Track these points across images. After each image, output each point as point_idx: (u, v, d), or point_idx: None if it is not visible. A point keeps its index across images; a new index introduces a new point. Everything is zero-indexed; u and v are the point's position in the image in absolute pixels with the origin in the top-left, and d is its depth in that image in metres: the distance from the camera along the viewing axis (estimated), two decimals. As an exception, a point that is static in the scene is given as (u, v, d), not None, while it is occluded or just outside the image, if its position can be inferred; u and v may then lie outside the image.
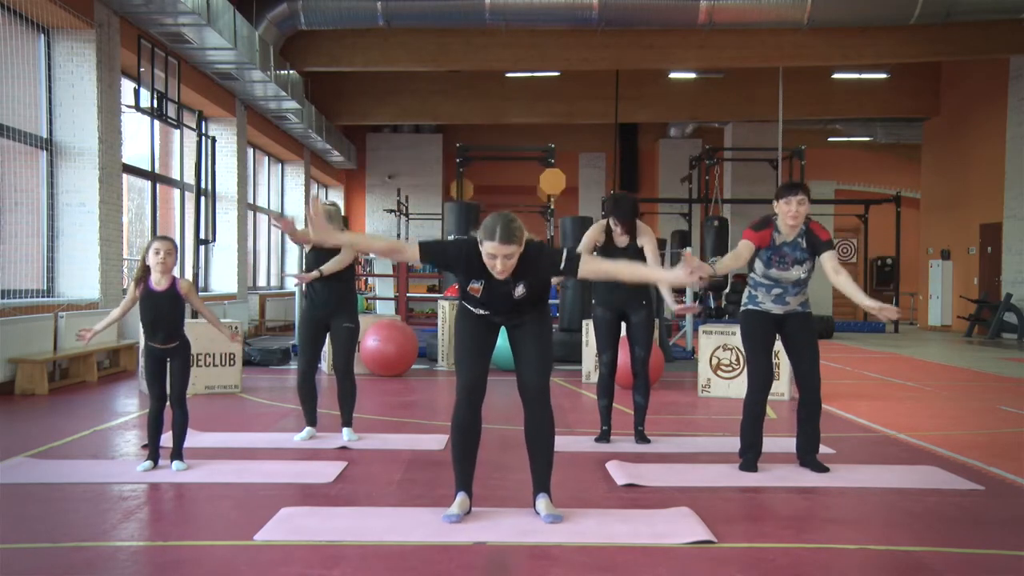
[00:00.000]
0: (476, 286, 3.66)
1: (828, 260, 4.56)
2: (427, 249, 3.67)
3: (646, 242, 5.36)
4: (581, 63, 15.51)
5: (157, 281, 4.59)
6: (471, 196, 18.81)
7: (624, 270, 4.07)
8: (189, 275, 11.06)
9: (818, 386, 4.66)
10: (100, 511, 3.83)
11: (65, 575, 3.03)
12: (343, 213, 5.70)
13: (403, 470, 4.69)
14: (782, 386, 7.31)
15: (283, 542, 3.39)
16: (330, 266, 5.38)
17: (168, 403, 4.64)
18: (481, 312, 3.75)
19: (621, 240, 5.38)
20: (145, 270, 4.60)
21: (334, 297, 5.45)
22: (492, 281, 3.64)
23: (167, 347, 4.59)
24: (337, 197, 23.44)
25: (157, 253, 4.56)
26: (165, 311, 4.58)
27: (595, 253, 5.41)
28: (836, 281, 4.59)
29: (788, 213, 4.55)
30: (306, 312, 5.55)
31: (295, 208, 18.98)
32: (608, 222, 5.39)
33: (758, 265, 4.65)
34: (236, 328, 7.83)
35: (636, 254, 5.34)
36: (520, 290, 3.65)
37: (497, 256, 3.51)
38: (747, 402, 4.73)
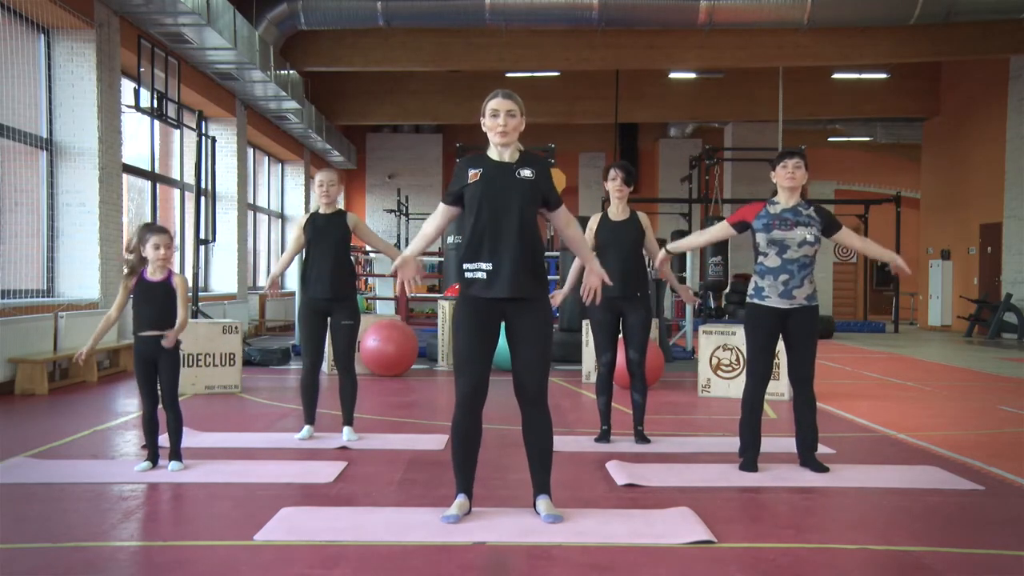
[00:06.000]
0: (474, 172, 3.65)
1: (847, 236, 4.75)
2: (447, 194, 3.75)
3: (647, 228, 5.46)
4: (581, 63, 15.51)
5: (152, 272, 4.51)
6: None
7: (582, 246, 3.98)
8: (189, 275, 11.07)
9: (811, 379, 4.67)
10: (100, 511, 3.83)
11: (65, 575, 3.03)
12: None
13: (403, 470, 4.68)
14: (782, 386, 7.30)
15: (283, 542, 3.39)
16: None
17: (161, 405, 4.56)
18: (476, 211, 3.62)
19: (618, 211, 5.42)
20: (140, 261, 4.50)
21: (332, 284, 5.36)
22: (491, 168, 3.65)
23: (156, 335, 4.45)
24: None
25: (157, 248, 4.45)
26: (159, 300, 4.49)
27: (594, 239, 5.45)
28: (864, 248, 4.86)
29: (784, 175, 4.68)
30: (304, 306, 5.46)
31: (295, 209, 18.98)
32: (607, 180, 5.45)
33: (760, 237, 4.66)
34: (235, 328, 7.92)
35: (634, 230, 5.39)
36: (526, 172, 3.65)
37: (500, 111, 3.61)
38: (745, 397, 4.75)
